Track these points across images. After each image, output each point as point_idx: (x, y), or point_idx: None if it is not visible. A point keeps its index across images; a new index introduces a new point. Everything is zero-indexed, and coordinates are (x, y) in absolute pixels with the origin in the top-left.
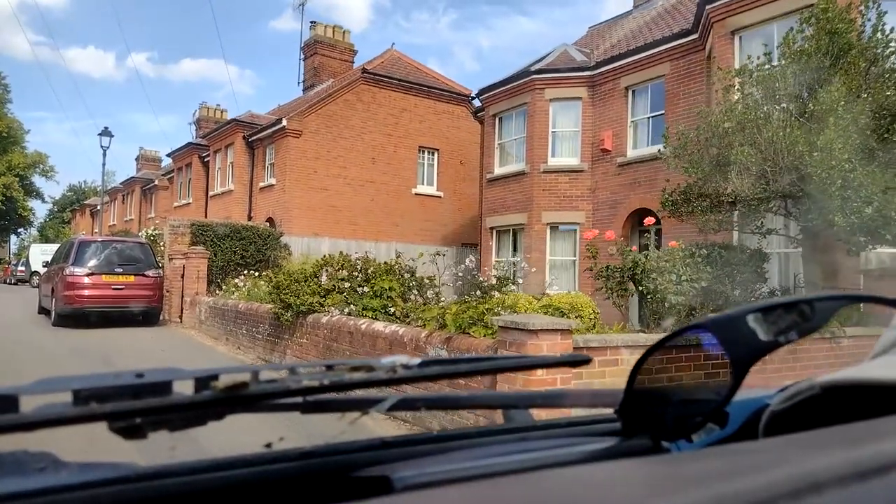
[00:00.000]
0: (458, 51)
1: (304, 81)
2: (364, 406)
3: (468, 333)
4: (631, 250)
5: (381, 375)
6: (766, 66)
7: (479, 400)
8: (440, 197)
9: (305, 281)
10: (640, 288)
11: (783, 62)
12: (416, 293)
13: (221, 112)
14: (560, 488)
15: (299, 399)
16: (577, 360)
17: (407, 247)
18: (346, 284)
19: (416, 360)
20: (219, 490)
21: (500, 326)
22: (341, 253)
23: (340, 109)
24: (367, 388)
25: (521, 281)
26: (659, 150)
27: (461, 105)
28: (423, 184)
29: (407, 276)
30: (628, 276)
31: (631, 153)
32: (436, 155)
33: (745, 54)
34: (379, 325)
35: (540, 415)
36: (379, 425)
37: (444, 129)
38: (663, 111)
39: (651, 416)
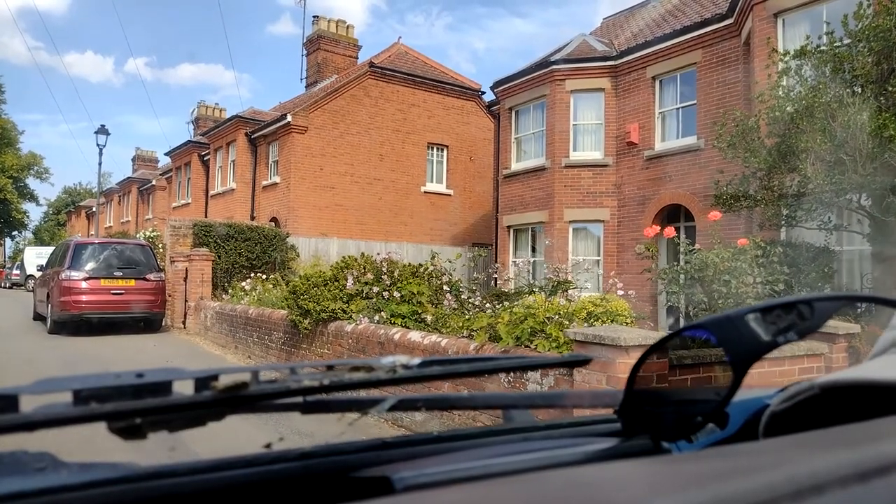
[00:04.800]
0: (454, 53)
1: (306, 78)
2: (364, 406)
3: (529, 347)
4: (697, 249)
5: (381, 375)
6: (831, 46)
7: (480, 400)
8: (450, 195)
9: (325, 285)
10: (702, 292)
11: (849, 41)
12: (452, 297)
13: (220, 111)
14: (560, 489)
15: (299, 399)
16: (577, 360)
17: (417, 247)
18: (375, 289)
19: (416, 360)
20: (219, 490)
21: (577, 341)
22: (363, 254)
23: (347, 104)
24: (367, 389)
25: (588, 284)
26: (715, 140)
27: (471, 100)
28: (432, 181)
29: (444, 278)
30: (694, 278)
31: (659, 146)
32: (445, 151)
33: (789, 38)
34: (415, 335)
35: (540, 415)
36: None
37: (454, 124)
38: (695, 101)
39: (651, 417)
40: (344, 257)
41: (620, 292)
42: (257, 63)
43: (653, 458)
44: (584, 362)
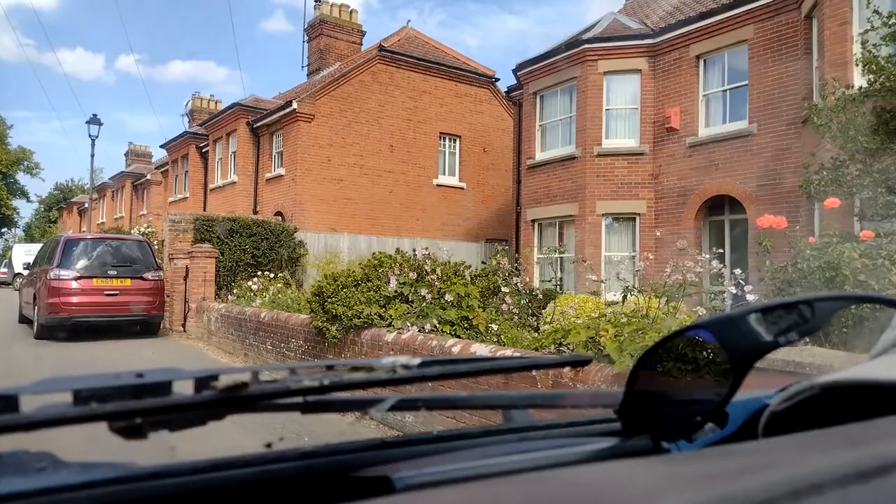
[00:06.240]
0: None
1: (308, 65)
2: (364, 406)
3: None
4: (828, 240)
5: (381, 375)
6: None
7: (480, 400)
8: (463, 188)
9: (356, 286)
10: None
11: None
12: (511, 301)
13: (215, 103)
14: (560, 489)
15: (299, 399)
16: (578, 361)
17: (431, 243)
18: (422, 291)
19: (417, 360)
20: (219, 490)
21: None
22: (398, 249)
23: (355, 91)
24: (367, 389)
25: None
26: (814, 117)
27: (484, 87)
28: (444, 174)
29: (513, 280)
30: (821, 279)
31: (703, 132)
32: (457, 142)
33: (862, 8)
34: (481, 349)
35: (540, 415)
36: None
37: (466, 113)
38: (746, 82)
39: (651, 416)
40: (375, 253)
41: (751, 296)
42: (252, 60)
43: (652, 458)
44: (584, 362)
